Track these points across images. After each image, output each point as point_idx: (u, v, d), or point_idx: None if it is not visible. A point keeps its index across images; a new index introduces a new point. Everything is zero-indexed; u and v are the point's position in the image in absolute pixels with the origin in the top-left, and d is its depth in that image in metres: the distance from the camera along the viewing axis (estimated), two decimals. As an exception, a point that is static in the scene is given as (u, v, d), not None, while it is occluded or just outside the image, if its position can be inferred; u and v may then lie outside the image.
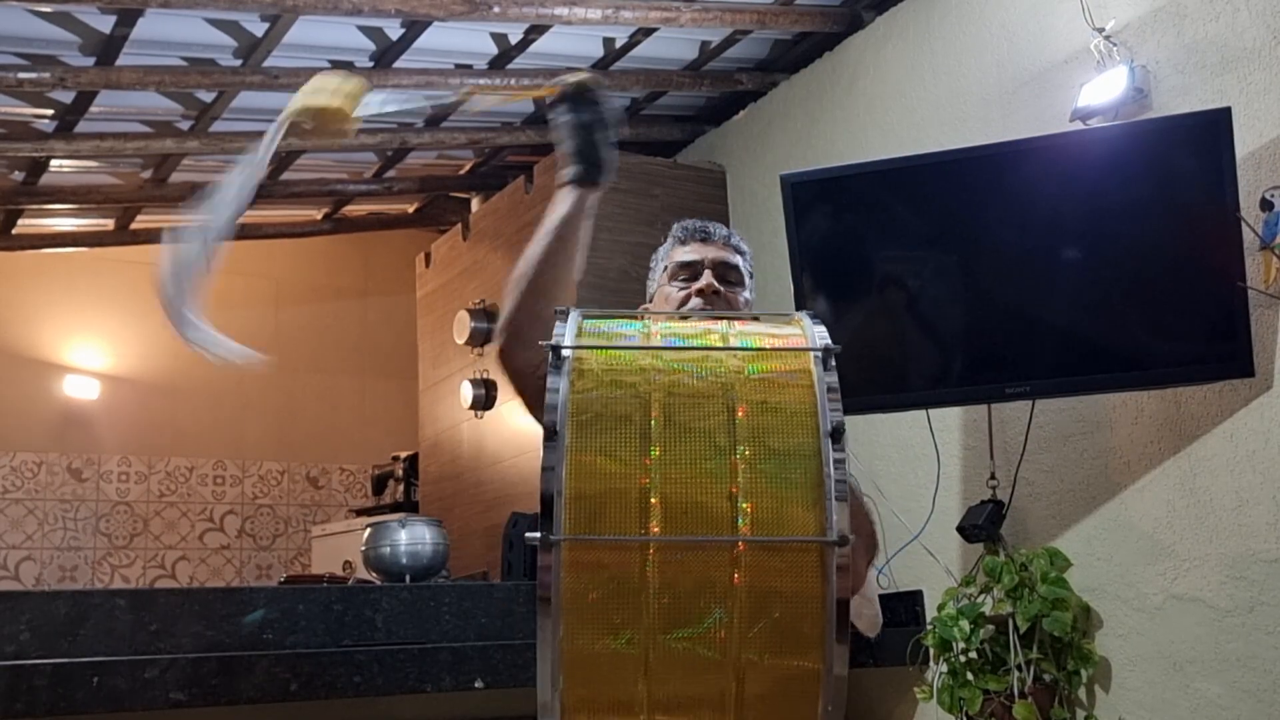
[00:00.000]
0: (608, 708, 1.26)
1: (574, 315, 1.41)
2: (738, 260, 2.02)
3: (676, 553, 1.24)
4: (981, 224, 2.80)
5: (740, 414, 1.29)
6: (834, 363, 1.33)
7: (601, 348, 1.37)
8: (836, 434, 1.27)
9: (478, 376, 4.50)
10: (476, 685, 2.44)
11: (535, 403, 1.73)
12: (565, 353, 1.33)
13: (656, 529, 1.24)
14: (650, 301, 2.08)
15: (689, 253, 2.00)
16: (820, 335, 1.38)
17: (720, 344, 1.39)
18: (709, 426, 1.29)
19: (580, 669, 1.23)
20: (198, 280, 1.61)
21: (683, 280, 1.97)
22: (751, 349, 1.38)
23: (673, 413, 1.29)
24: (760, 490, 1.26)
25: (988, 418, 3.02)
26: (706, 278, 1.95)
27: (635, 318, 1.47)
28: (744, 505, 1.25)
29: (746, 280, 2.03)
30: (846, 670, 1.23)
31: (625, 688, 1.25)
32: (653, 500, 1.24)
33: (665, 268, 2.02)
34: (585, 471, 1.26)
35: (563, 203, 1.79)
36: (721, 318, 1.51)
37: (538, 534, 1.22)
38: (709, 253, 1.99)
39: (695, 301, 1.93)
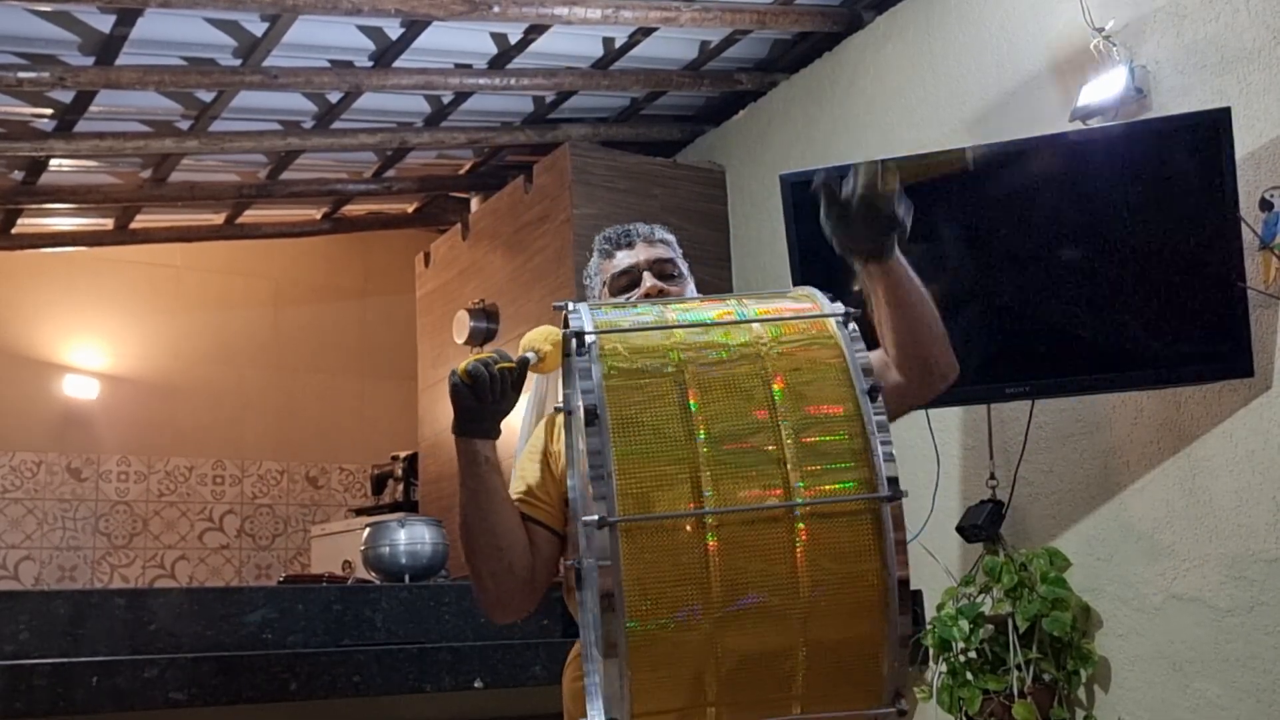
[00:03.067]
0: (675, 689, 1.24)
1: (585, 307, 1.39)
2: (670, 253, 1.97)
3: (733, 526, 1.22)
4: (981, 224, 2.80)
5: (776, 383, 1.28)
6: (856, 327, 1.34)
7: (624, 330, 1.35)
8: (874, 392, 1.27)
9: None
10: (476, 685, 2.44)
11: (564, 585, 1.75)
12: (590, 338, 1.31)
13: (711, 504, 1.22)
14: None
15: (620, 261, 1.95)
16: (835, 303, 1.39)
17: (739, 319, 1.38)
18: (747, 395, 1.28)
19: (644, 655, 1.21)
20: None
21: (624, 290, 1.92)
22: (772, 317, 1.37)
23: (708, 385, 1.28)
24: (807, 455, 1.25)
25: (987, 418, 3.02)
26: (648, 280, 1.90)
27: (640, 305, 1.45)
28: (794, 471, 1.24)
29: (683, 268, 1.98)
30: (910, 623, 1.23)
31: (691, 668, 1.23)
32: (703, 475, 1.23)
33: (603, 283, 1.97)
34: (633, 452, 1.24)
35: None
36: (729, 296, 1.50)
37: (594, 516, 1.19)
38: (640, 255, 1.94)
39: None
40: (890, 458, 1.24)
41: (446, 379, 1.67)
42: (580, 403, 1.28)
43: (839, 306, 1.38)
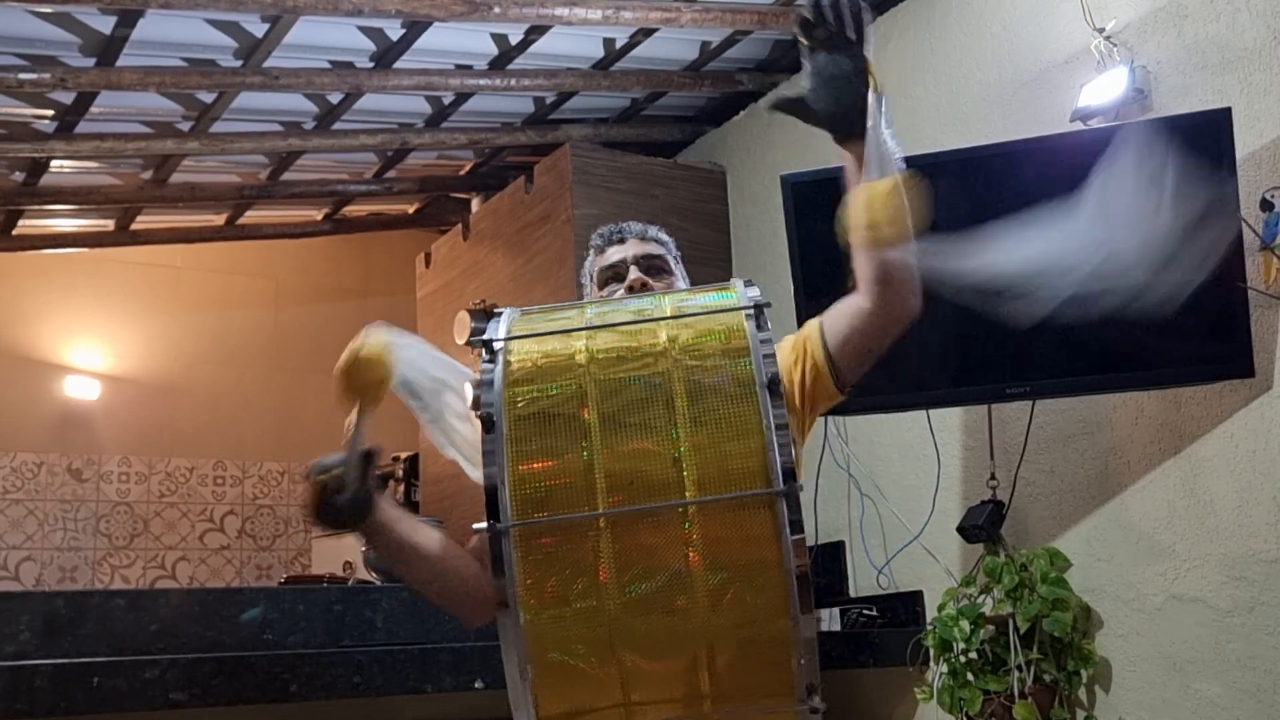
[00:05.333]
0: (581, 689, 1.24)
1: (508, 312, 1.41)
2: (661, 250, 2.02)
3: (628, 525, 1.22)
4: (982, 224, 2.80)
5: (676, 379, 1.29)
6: (765, 318, 1.34)
7: (529, 335, 1.36)
8: (773, 384, 1.27)
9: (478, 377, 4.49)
10: (476, 686, 2.43)
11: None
12: (497, 345, 1.33)
13: (604, 504, 1.22)
14: None
15: (610, 256, 2.00)
16: (751, 295, 1.39)
17: (652, 317, 1.39)
18: (646, 396, 1.28)
19: (546, 656, 1.21)
20: None
21: (611, 283, 1.97)
22: (682, 315, 1.38)
23: (608, 388, 1.29)
24: (703, 451, 1.25)
25: (988, 418, 3.02)
26: (633, 273, 1.94)
27: (567, 307, 1.47)
28: (689, 469, 1.24)
29: (674, 267, 2.02)
30: (812, 612, 1.22)
31: (596, 669, 1.23)
32: (597, 476, 1.23)
33: (592, 277, 2.03)
34: (527, 456, 1.25)
35: None
36: (650, 295, 1.51)
37: (483, 524, 1.20)
38: (629, 251, 1.99)
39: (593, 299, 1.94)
40: (786, 451, 1.24)
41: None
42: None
43: (754, 295, 1.38)
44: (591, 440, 1.26)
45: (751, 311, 1.35)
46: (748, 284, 1.43)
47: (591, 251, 2.05)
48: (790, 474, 1.23)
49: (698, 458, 1.24)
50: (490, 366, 1.31)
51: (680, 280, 2.01)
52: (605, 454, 1.25)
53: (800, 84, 1.69)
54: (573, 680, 1.24)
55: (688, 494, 1.23)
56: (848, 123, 1.67)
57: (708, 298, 1.44)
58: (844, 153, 1.73)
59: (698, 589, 1.22)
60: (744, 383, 1.29)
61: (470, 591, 1.69)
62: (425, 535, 1.74)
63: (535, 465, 1.25)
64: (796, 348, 1.83)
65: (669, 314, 1.39)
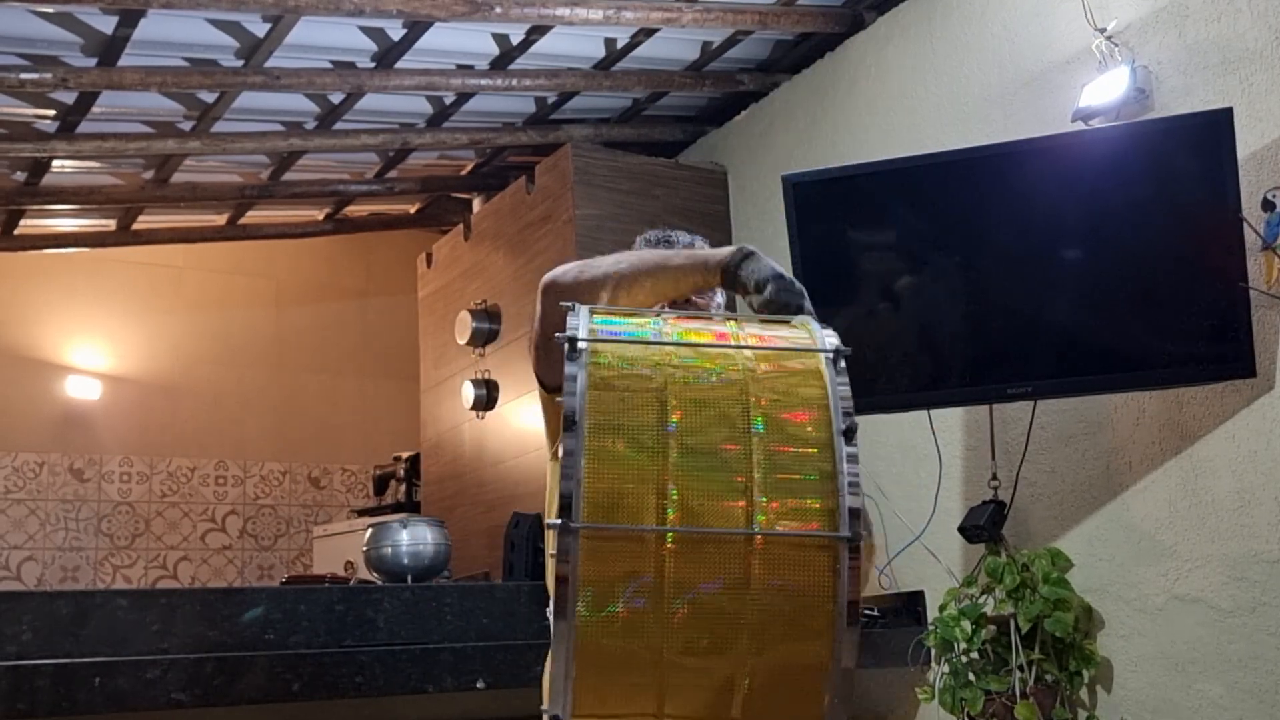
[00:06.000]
0: (617, 695, 1.26)
1: (583, 310, 1.41)
2: None
3: (692, 545, 1.24)
4: (983, 224, 2.80)
5: (756, 412, 1.30)
6: (844, 364, 1.35)
7: (619, 340, 1.38)
8: (849, 434, 1.29)
9: (479, 377, 4.50)
10: (478, 685, 2.44)
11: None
12: (581, 344, 1.33)
13: (673, 522, 1.24)
14: None
15: None
16: (828, 337, 1.40)
17: (733, 343, 1.40)
18: (725, 420, 1.30)
19: (593, 657, 1.23)
20: None
21: None
22: (764, 349, 1.40)
23: (689, 404, 1.30)
24: (775, 486, 1.26)
25: (989, 418, 3.02)
26: None
27: (643, 316, 1.47)
28: (760, 500, 1.26)
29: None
30: (855, 664, 1.24)
31: (638, 677, 1.25)
32: (670, 492, 1.25)
33: None
34: (604, 461, 1.26)
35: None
36: (729, 319, 1.51)
37: (557, 520, 1.21)
38: None
39: (667, 312, 1.92)
40: (856, 494, 1.26)
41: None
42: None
43: (832, 341, 1.39)
44: (667, 456, 1.27)
45: (830, 355, 1.37)
46: (822, 325, 1.44)
47: None
48: (856, 519, 1.25)
49: (768, 489, 1.26)
50: (574, 364, 1.31)
51: (718, 296, 2.00)
52: (680, 474, 1.26)
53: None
54: (613, 685, 1.26)
55: (755, 524, 1.25)
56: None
57: (785, 332, 1.46)
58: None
59: (749, 618, 1.24)
60: (820, 425, 1.30)
61: None
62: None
63: (611, 472, 1.26)
64: None
65: (750, 344, 1.40)
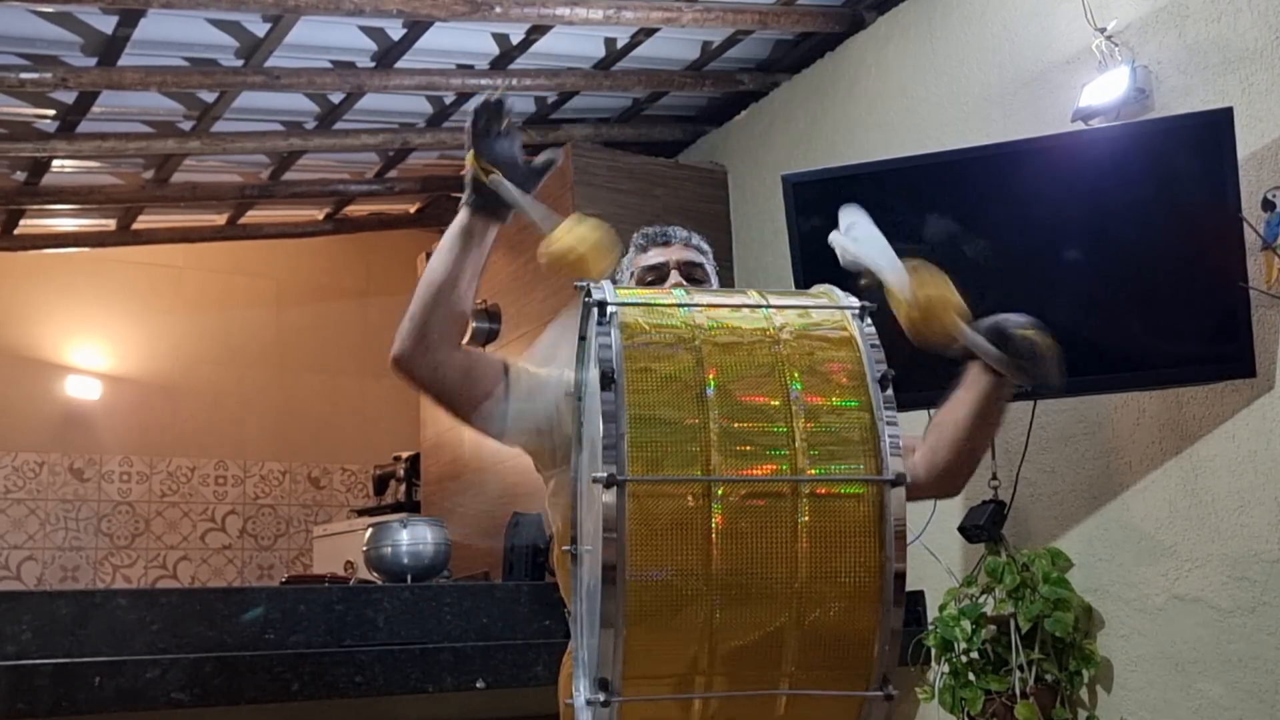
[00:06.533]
0: (668, 654, 1.25)
1: (606, 283, 1.41)
2: (701, 259, 2.04)
3: (738, 498, 1.24)
4: (983, 224, 2.80)
5: (791, 367, 1.31)
6: (870, 320, 1.38)
7: (639, 304, 1.38)
8: (884, 381, 1.30)
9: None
10: (478, 685, 2.44)
11: (458, 402, 1.81)
12: (611, 309, 1.33)
13: (719, 471, 1.24)
14: None
15: (653, 257, 2.02)
16: (850, 299, 1.43)
17: (753, 303, 1.42)
18: (763, 378, 1.31)
19: (642, 616, 1.22)
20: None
21: (650, 283, 1.98)
22: (788, 306, 1.41)
23: (726, 364, 1.31)
24: (816, 434, 1.27)
25: (989, 418, 3.02)
26: (674, 277, 1.96)
27: (658, 291, 1.49)
28: (802, 447, 1.26)
29: (712, 278, 2.04)
30: (903, 604, 1.25)
31: (686, 635, 1.24)
32: (713, 445, 1.25)
33: (632, 274, 2.04)
34: (646, 417, 1.26)
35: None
36: (749, 291, 1.52)
37: (603, 473, 1.21)
38: (672, 254, 2.01)
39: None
40: (896, 445, 1.27)
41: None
42: (596, 368, 1.30)
43: (854, 300, 1.42)
44: (708, 410, 1.27)
45: (857, 311, 1.40)
46: (845, 292, 1.47)
47: (632, 249, 2.07)
48: (899, 464, 1.26)
49: (811, 439, 1.27)
50: (606, 326, 1.31)
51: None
52: (722, 423, 1.27)
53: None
54: (663, 641, 1.25)
55: (801, 470, 1.25)
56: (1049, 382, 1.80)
57: (804, 299, 1.48)
58: (994, 379, 1.84)
59: (798, 569, 1.24)
60: (855, 375, 1.32)
61: (441, 329, 1.78)
62: (475, 280, 1.80)
63: (653, 428, 1.26)
64: None
65: (773, 304, 1.42)
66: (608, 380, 1.25)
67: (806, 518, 1.24)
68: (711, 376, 1.29)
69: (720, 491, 1.23)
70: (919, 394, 2.92)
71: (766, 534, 1.24)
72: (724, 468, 1.24)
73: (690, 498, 1.24)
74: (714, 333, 1.35)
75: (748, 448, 1.26)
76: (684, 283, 1.95)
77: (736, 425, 1.27)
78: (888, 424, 1.28)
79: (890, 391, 1.30)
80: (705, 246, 2.08)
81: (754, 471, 1.25)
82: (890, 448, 1.27)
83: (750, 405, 1.29)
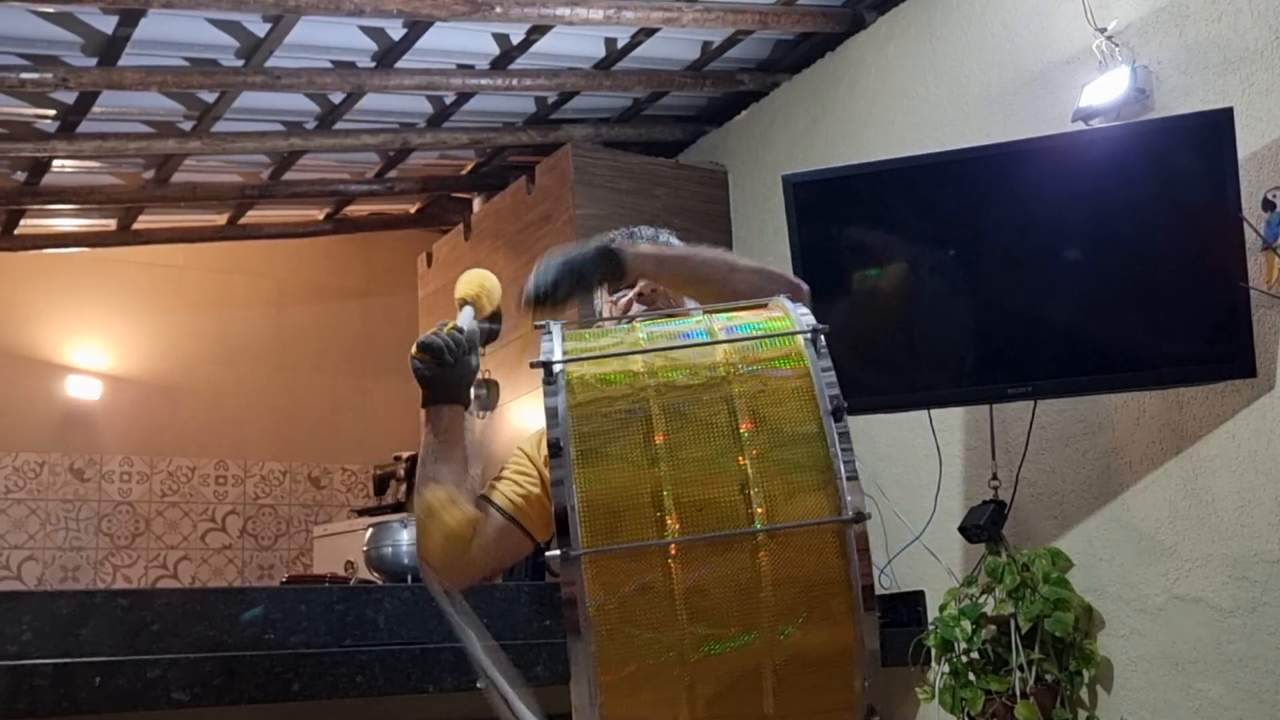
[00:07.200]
0: (647, 709, 1.25)
1: (556, 329, 1.40)
2: None
3: (698, 552, 1.23)
4: (983, 224, 2.80)
5: (740, 407, 1.29)
6: (824, 342, 1.33)
7: (588, 358, 1.36)
8: (838, 413, 1.27)
9: (480, 377, 4.49)
10: (478, 685, 2.43)
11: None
12: (557, 368, 1.32)
13: (674, 530, 1.23)
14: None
15: None
16: (804, 316, 1.38)
17: (707, 339, 1.39)
18: (710, 421, 1.28)
19: (616, 677, 1.22)
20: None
21: (621, 290, 1.93)
22: (739, 338, 1.38)
23: (673, 412, 1.29)
24: (771, 478, 1.25)
25: (989, 418, 3.02)
26: (642, 282, 1.90)
27: (614, 326, 1.46)
28: (756, 494, 1.24)
29: None
30: (878, 644, 1.23)
31: (664, 689, 1.24)
32: (666, 502, 1.24)
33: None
34: (596, 482, 1.25)
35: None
36: (699, 311, 1.50)
37: (556, 551, 1.20)
38: None
39: (637, 307, 1.90)
40: (854, 477, 1.24)
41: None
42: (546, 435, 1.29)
43: (808, 320, 1.37)
44: (659, 467, 1.26)
45: (809, 335, 1.34)
46: (798, 306, 1.42)
47: None
48: (859, 502, 1.23)
49: (766, 485, 1.25)
50: (552, 389, 1.30)
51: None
52: (673, 481, 1.25)
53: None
54: (640, 702, 1.25)
55: (757, 521, 1.23)
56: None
57: (758, 321, 1.43)
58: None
59: (765, 615, 1.23)
60: (807, 409, 1.28)
61: (455, 547, 1.70)
62: (467, 472, 1.74)
63: (604, 492, 1.25)
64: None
65: (724, 337, 1.38)
66: (556, 449, 1.24)
67: (767, 564, 1.22)
68: (659, 430, 1.27)
69: (675, 550, 1.22)
70: (917, 394, 2.94)
71: (729, 586, 1.22)
72: (680, 526, 1.23)
73: (647, 559, 1.23)
74: (661, 379, 1.32)
75: (701, 501, 1.24)
76: (655, 285, 1.88)
77: (689, 477, 1.25)
78: (843, 457, 1.25)
79: (845, 422, 1.27)
80: (675, 242, 2.01)
81: (710, 525, 1.23)
82: (847, 481, 1.24)
83: (701, 456, 1.26)
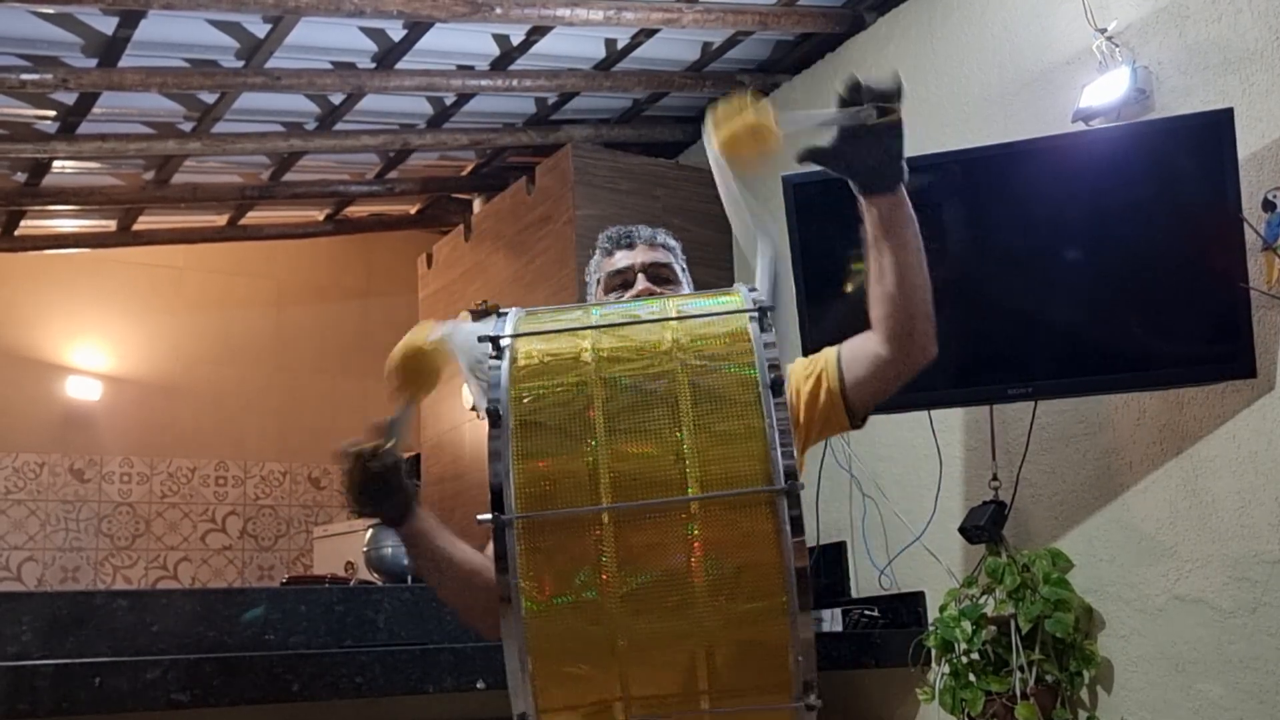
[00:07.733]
0: (581, 682, 1.26)
1: (514, 312, 1.43)
2: (668, 259, 1.99)
3: (630, 522, 1.24)
4: (984, 225, 2.80)
5: (681, 378, 1.31)
6: (769, 320, 1.36)
7: (535, 333, 1.39)
8: (776, 386, 1.29)
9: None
10: (478, 686, 2.43)
11: None
12: (504, 342, 1.36)
13: (607, 501, 1.25)
14: None
15: (618, 261, 1.97)
16: (755, 297, 1.41)
17: (658, 318, 1.42)
18: (650, 394, 1.31)
19: (546, 649, 1.23)
20: None
21: (618, 289, 1.95)
22: (686, 316, 1.41)
23: (614, 386, 1.31)
24: (706, 449, 1.27)
25: (990, 419, 3.02)
26: (640, 282, 1.92)
27: (572, 308, 1.49)
28: (691, 466, 1.26)
29: (681, 276, 2.00)
30: (810, 610, 1.24)
31: (596, 662, 1.25)
32: (601, 473, 1.26)
33: (599, 280, 2.00)
34: (532, 452, 1.27)
35: None
36: (655, 296, 1.52)
37: (489, 515, 1.23)
38: (637, 257, 1.96)
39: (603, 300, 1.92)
40: (789, 450, 1.26)
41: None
42: (485, 405, 1.32)
43: (757, 298, 1.40)
44: (596, 438, 1.27)
45: (755, 314, 1.36)
46: (750, 289, 1.44)
47: (598, 252, 2.03)
48: (792, 473, 1.24)
49: (701, 457, 1.26)
50: (497, 363, 1.33)
51: (685, 288, 1.99)
52: (610, 452, 1.27)
53: (829, 137, 1.67)
54: (572, 673, 1.25)
55: (690, 492, 1.25)
56: (878, 176, 1.65)
57: (711, 302, 1.46)
58: (866, 206, 1.69)
59: (698, 587, 1.23)
60: (747, 384, 1.30)
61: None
62: (463, 551, 1.75)
63: (540, 461, 1.27)
64: (811, 369, 1.83)
65: (674, 316, 1.41)
66: (495, 419, 1.27)
67: (699, 533, 1.24)
68: (598, 402, 1.29)
69: (608, 518, 1.24)
70: (917, 394, 2.94)
71: (661, 559, 1.24)
72: (613, 494, 1.25)
73: (580, 527, 1.24)
74: (605, 353, 1.34)
75: (637, 471, 1.26)
76: (651, 286, 1.91)
77: (625, 448, 1.27)
78: (778, 429, 1.27)
79: (783, 397, 1.29)
80: (672, 242, 2.03)
81: (644, 494, 1.25)
82: (781, 452, 1.25)
83: (638, 427, 1.29)
